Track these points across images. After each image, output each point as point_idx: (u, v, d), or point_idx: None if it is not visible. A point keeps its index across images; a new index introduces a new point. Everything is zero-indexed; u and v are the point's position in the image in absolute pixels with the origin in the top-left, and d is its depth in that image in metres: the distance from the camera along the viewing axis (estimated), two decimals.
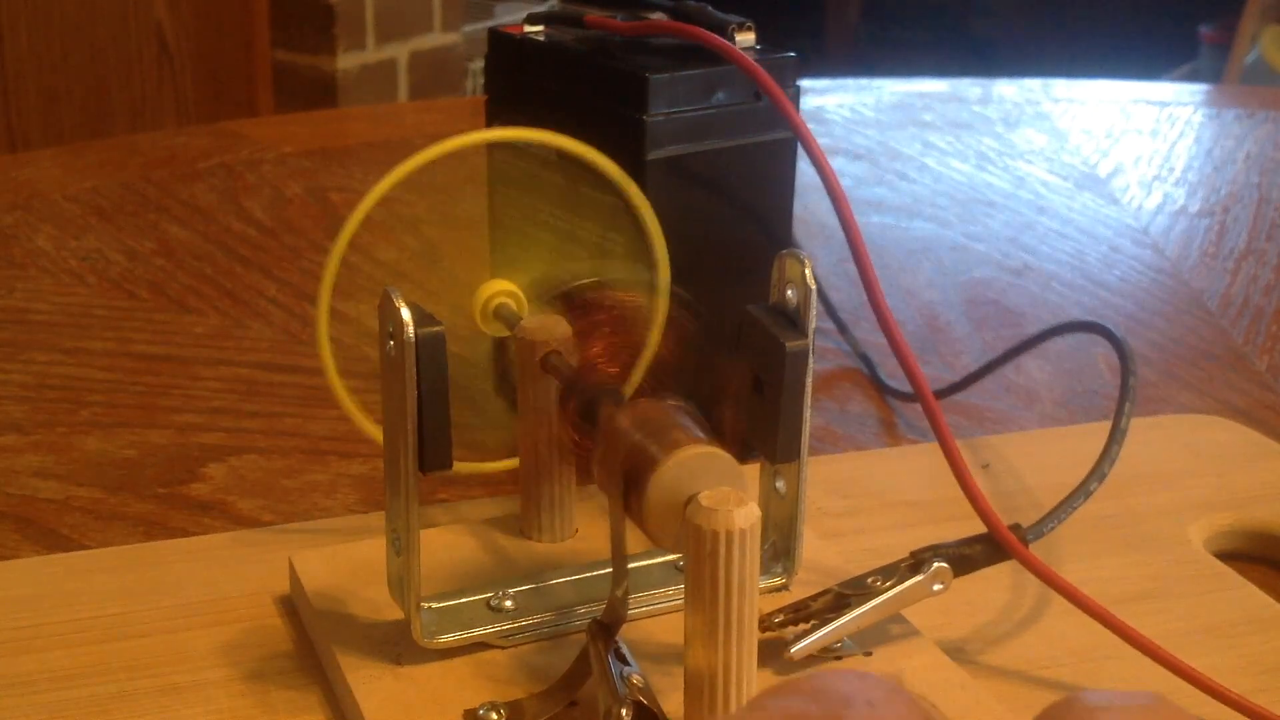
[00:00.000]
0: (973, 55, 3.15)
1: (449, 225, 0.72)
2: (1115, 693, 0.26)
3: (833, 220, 0.38)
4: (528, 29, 0.47)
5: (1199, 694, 0.35)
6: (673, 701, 0.32)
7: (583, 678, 0.33)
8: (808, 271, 0.35)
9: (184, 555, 0.42)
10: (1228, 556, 0.44)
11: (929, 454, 0.48)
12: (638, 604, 0.36)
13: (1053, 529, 0.39)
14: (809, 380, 0.35)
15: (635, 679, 0.32)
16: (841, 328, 0.60)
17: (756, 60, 0.42)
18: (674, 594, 0.37)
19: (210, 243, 0.71)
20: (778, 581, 0.38)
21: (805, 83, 0.47)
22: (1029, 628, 0.40)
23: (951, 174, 0.87)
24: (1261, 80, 2.10)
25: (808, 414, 0.35)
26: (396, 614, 0.35)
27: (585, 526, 0.41)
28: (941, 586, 0.37)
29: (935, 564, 0.36)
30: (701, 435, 0.31)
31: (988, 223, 0.79)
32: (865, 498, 0.46)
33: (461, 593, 0.37)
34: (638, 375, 0.41)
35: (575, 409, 0.35)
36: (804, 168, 0.45)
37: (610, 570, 0.33)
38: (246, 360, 0.58)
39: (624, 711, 0.31)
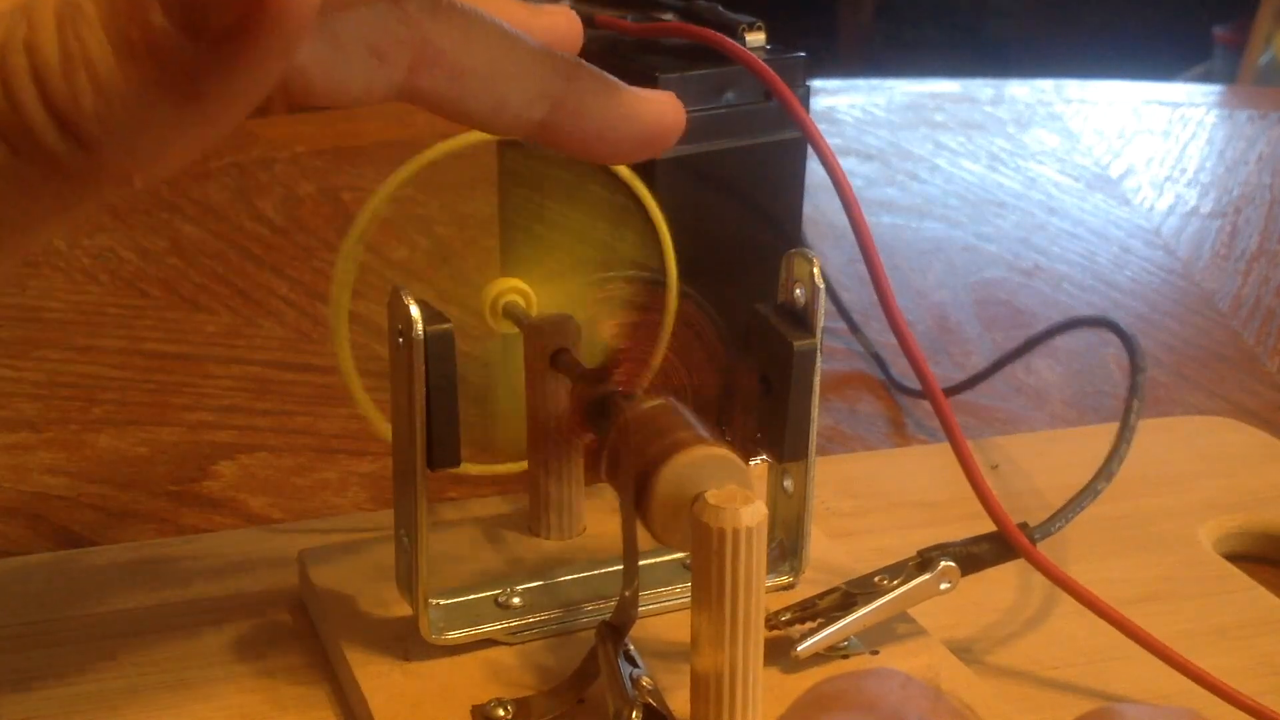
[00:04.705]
0: (986, 55, 3.14)
1: (460, 224, 0.72)
2: (1152, 707, 0.26)
3: (843, 220, 0.38)
4: None
5: (1208, 695, 0.35)
6: (679, 699, 0.32)
7: (591, 677, 0.33)
8: (816, 270, 0.35)
9: (194, 552, 0.42)
10: (1237, 558, 0.44)
11: (938, 454, 0.48)
12: (645, 602, 0.36)
13: (1060, 528, 0.39)
14: (817, 379, 0.35)
15: (645, 681, 0.32)
16: (853, 327, 0.60)
17: (765, 61, 0.42)
18: (681, 592, 0.37)
19: (222, 241, 0.71)
20: (785, 580, 0.38)
21: (816, 83, 0.47)
22: (1036, 628, 0.40)
23: (963, 174, 0.87)
24: (1275, 81, 2.09)
25: (815, 413, 0.35)
26: (405, 610, 0.35)
27: (593, 524, 0.41)
28: (949, 585, 0.37)
29: (942, 563, 0.37)
30: (708, 435, 0.31)
31: (999, 223, 0.79)
32: (874, 497, 0.46)
33: (469, 589, 0.37)
34: (648, 373, 0.41)
35: (585, 407, 0.35)
36: (814, 167, 0.45)
37: (618, 568, 0.33)
38: (258, 359, 0.58)
39: (634, 714, 0.31)
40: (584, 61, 0.30)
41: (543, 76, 0.29)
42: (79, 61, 0.22)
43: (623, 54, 0.45)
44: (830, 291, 0.35)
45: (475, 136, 0.37)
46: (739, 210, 0.46)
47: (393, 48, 0.28)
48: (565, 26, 0.32)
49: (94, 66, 0.22)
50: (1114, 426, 0.43)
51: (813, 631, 0.35)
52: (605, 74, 0.30)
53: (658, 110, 0.31)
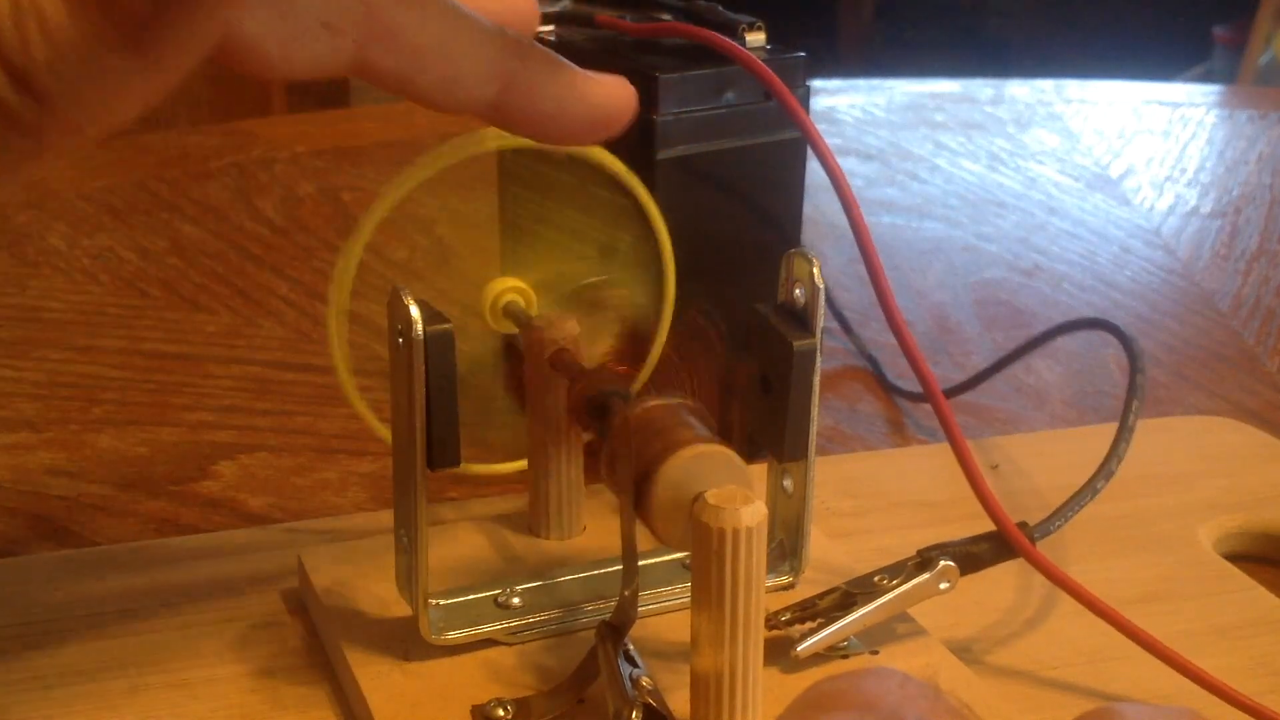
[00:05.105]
0: (986, 55, 3.14)
1: (460, 225, 0.72)
2: (1152, 707, 0.26)
3: (843, 220, 0.38)
4: (539, 29, 0.47)
5: (1208, 695, 0.35)
6: (679, 699, 0.32)
7: (591, 677, 0.33)
8: (815, 270, 0.35)
9: (194, 552, 0.42)
10: (1237, 558, 0.44)
11: (938, 454, 0.48)
12: (644, 602, 0.36)
13: (1059, 527, 0.39)
14: (816, 379, 0.35)
15: (644, 681, 0.32)
16: (846, 328, 0.60)
17: (765, 61, 0.42)
18: (681, 592, 0.37)
19: (222, 241, 0.71)
20: (784, 580, 0.38)
21: (816, 83, 0.47)
22: (1036, 628, 0.40)
23: (963, 174, 0.87)
24: (1275, 81, 2.09)
25: (815, 413, 0.35)
26: (405, 611, 0.35)
27: (592, 524, 0.41)
28: (948, 585, 0.37)
29: (942, 562, 0.37)
30: (708, 434, 0.31)
31: (999, 223, 0.79)
32: (873, 498, 0.46)
33: (469, 589, 0.37)
34: (646, 373, 0.41)
35: (584, 407, 0.35)
36: (814, 167, 0.45)
37: (618, 568, 0.33)
38: (258, 359, 0.58)
39: (634, 714, 0.31)
40: (536, 42, 0.30)
41: (495, 56, 0.29)
42: (29, 12, 0.22)
43: (623, 54, 0.45)
44: (825, 294, 0.35)
45: (486, 142, 0.37)
46: (739, 210, 0.46)
47: (344, 21, 0.28)
48: (520, 6, 0.32)
49: (44, 17, 0.22)
50: (1114, 426, 0.43)
51: (813, 631, 0.35)
52: (556, 55, 0.31)
53: (608, 92, 0.31)
